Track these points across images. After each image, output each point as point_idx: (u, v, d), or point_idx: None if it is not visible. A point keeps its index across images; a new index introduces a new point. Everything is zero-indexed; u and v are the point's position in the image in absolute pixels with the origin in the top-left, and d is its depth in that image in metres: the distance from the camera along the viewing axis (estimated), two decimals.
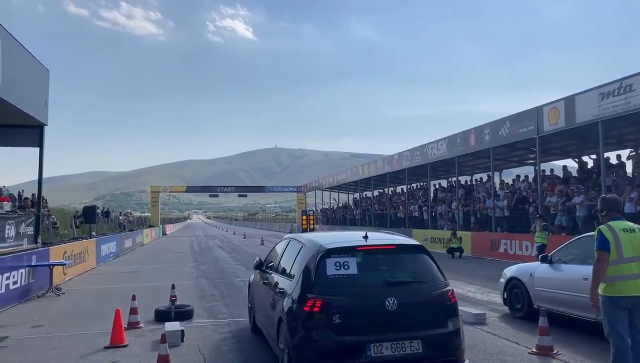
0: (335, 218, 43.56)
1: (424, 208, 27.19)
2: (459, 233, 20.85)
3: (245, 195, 64.52)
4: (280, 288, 5.43)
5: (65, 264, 12.05)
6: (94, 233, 21.88)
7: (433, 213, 25.80)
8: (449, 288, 5.03)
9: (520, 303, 8.33)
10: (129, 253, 25.56)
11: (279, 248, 6.58)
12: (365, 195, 40.93)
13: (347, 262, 4.89)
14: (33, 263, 11.01)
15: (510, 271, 8.84)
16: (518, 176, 21.92)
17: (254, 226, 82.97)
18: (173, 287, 8.96)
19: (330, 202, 47.66)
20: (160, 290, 10.97)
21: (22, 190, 27.11)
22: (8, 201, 16.02)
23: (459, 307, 5.12)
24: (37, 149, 12.58)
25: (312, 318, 4.62)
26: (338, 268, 4.86)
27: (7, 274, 9.71)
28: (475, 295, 10.61)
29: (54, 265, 11.51)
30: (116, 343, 6.74)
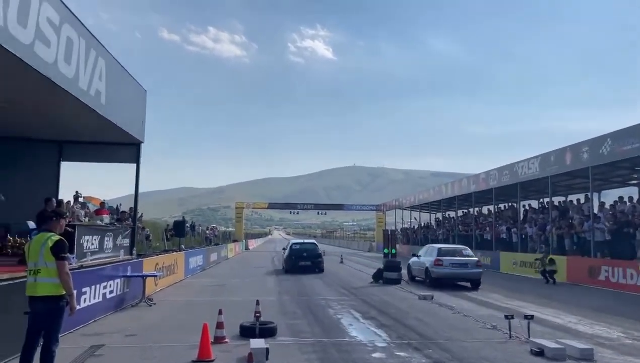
0: (417, 238, 42.51)
1: (512, 230, 25.79)
2: (553, 257, 19.48)
3: (325, 213, 64.83)
4: (285, 253, 24.09)
5: (156, 276, 12.57)
6: (182, 246, 22.83)
7: (523, 236, 24.38)
8: (320, 251, 23.81)
9: (410, 275, 18.78)
10: (215, 266, 26.35)
11: (287, 244, 25.88)
12: (448, 215, 39.69)
13: (298, 245, 24.63)
14: (128, 274, 11.53)
15: (410, 261, 19.41)
16: (621, 197, 20.18)
17: (332, 243, 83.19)
18: (257, 302, 8.97)
19: (410, 222, 46.68)
20: (244, 305, 11.07)
21: (120, 204, 28.85)
22: (107, 214, 17.09)
23: (561, 340, 7.68)
24: (134, 165, 13.29)
25: (289, 258, 22.88)
26: (295, 247, 23.87)
27: (105, 284, 10.21)
28: (577, 327, 9.72)
29: (147, 276, 12.02)
30: (203, 357, 6.79)
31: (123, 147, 13.16)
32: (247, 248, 55.09)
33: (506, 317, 8.50)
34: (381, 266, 18.07)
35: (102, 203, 18.77)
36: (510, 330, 8.45)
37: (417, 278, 18.47)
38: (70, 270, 8.08)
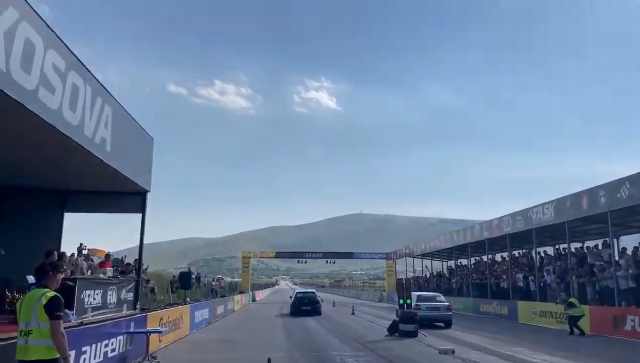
0: (429, 288, 41.38)
1: (530, 278, 24.90)
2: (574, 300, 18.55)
3: (334, 262, 63.64)
4: (291, 300, 30.43)
5: (161, 332, 11.88)
6: (188, 299, 22.06)
7: (541, 284, 23.48)
8: (319, 298, 30.20)
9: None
10: (221, 320, 25.45)
11: (293, 293, 33.42)
12: (460, 263, 38.73)
13: (300, 294, 30.98)
14: (131, 330, 10.90)
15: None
16: None
17: (341, 293, 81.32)
18: (269, 361, 8.32)
19: (422, 270, 45.64)
20: (254, 362, 10.36)
21: (125, 256, 28.34)
22: (110, 267, 16.60)
23: None
24: (140, 215, 12.88)
25: (294, 304, 29.04)
26: (299, 295, 30.21)
27: (107, 341, 9.57)
28: None
29: (150, 332, 11.35)
30: None
31: (128, 197, 12.79)
32: (254, 299, 53.79)
33: None
34: (396, 317, 17.25)
35: (107, 256, 18.19)
36: None
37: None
38: (69, 328, 7.46)
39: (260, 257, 70.84)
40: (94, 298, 9.67)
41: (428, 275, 43.34)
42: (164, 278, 31.43)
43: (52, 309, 4.71)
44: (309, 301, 28.72)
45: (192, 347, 14.32)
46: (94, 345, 8.94)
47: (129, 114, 11.33)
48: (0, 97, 6.21)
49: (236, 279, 71.33)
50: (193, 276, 32.54)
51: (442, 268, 42.02)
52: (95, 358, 9.04)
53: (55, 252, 10.14)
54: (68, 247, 14.73)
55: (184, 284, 20.85)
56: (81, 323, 8.61)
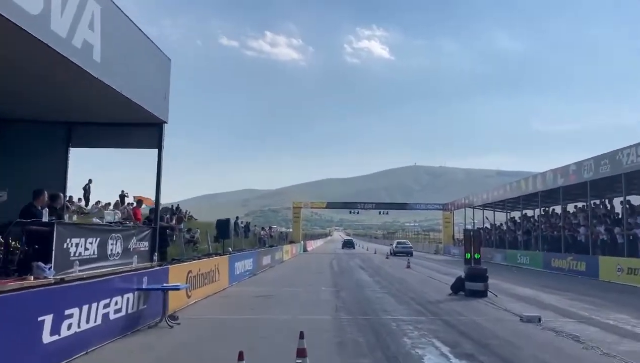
0: (490, 240, 38.38)
1: (615, 230, 21.63)
2: None
3: (387, 213, 61.32)
4: (341, 242, 74.60)
5: (179, 289, 9.99)
6: (230, 249, 20.44)
7: (630, 237, 20.23)
8: (354, 242, 77.18)
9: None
10: (267, 270, 23.90)
11: (342, 240, 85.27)
12: (526, 214, 35.36)
13: (346, 239, 79.74)
14: (143, 287, 9.05)
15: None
16: None
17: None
18: (302, 336, 6.13)
19: (482, 221, 42.54)
20: (290, 328, 8.29)
21: (177, 205, 27.35)
22: (140, 214, 14.95)
23: None
24: (156, 150, 10.81)
25: (342, 243, 68.86)
26: (345, 240, 77.97)
27: (106, 301, 7.72)
28: None
29: (167, 289, 9.46)
30: None
31: (142, 128, 10.67)
32: (305, 249, 52.67)
33: None
34: (461, 274, 14.81)
35: (140, 202, 16.59)
36: None
37: (388, 254, 41.63)
38: (45, 285, 5.59)
39: (312, 207, 69.50)
40: (86, 249, 7.73)
41: (489, 227, 40.26)
42: (214, 227, 30.21)
43: None
44: (350, 243, 66.95)
45: (224, 304, 12.52)
46: (85, 307, 7.07)
47: (135, 24, 9.08)
48: None
49: (289, 229, 70.56)
50: (241, 224, 31.16)
51: (507, 220, 38.74)
52: (89, 321, 7.19)
53: (46, 192, 8.25)
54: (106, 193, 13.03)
55: (222, 233, 19.09)
56: (62, 280, 6.70)
